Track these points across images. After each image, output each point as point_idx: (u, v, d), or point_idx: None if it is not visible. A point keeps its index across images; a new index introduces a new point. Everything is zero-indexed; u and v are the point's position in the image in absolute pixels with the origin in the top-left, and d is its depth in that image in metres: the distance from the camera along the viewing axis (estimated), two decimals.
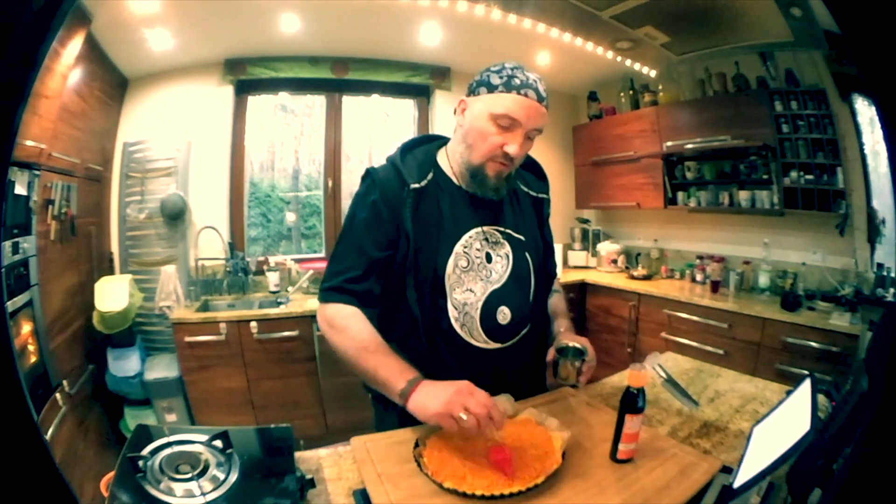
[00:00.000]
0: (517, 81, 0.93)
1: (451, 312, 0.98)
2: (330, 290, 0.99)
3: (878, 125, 2.13)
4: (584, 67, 3.20)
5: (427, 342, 0.97)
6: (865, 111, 2.21)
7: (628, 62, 3.08)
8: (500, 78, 0.94)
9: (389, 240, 0.98)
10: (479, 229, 1.02)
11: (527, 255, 1.07)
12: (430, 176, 1.02)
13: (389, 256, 0.98)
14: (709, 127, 2.76)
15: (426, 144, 1.09)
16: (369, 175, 1.03)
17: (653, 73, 3.18)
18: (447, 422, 0.79)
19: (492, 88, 0.94)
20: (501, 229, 1.05)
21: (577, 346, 0.99)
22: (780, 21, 2.23)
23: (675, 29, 2.63)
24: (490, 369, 0.99)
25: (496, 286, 1.01)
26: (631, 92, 3.31)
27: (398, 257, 0.98)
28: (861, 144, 2.24)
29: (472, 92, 0.99)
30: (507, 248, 1.04)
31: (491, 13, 2.43)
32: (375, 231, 0.98)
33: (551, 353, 1.00)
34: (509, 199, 1.09)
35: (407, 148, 1.06)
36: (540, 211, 1.15)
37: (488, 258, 1.02)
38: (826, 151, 2.34)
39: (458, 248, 0.99)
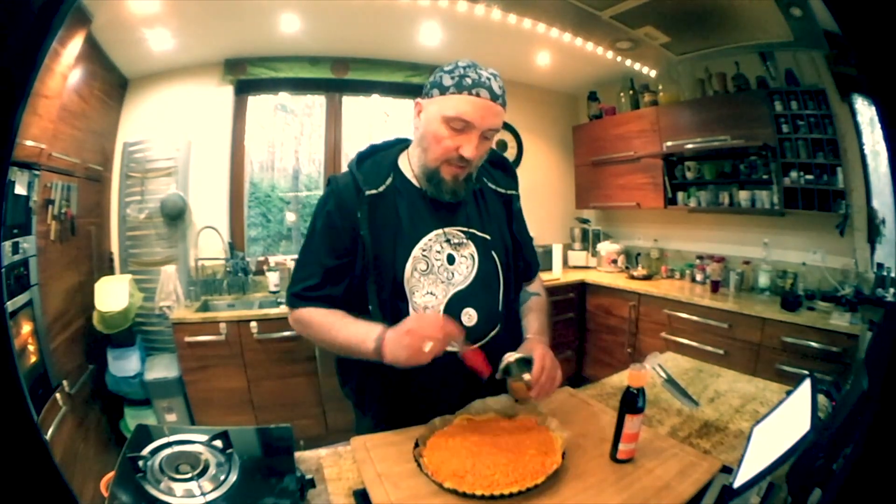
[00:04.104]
0: (468, 81, 0.90)
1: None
2: (293, 296, 1.03)
3: (878, 125, 2.13)
4: (584, 67, 3.20)
5: None
6: (865, 111, 2.21)
7: (628, 62, 3.08)
8: (452, 78, 0.91)
9: (345, 247, 0.98)
10: (439, 231, 1.01)
11: (493, 254, 1.05)
12: (388, 180, 1.00)
13: (346, 263, 0.99)
14: (709, 127, 2.76)
15: (388, 149, 1.08)
16: (330, 183, 1.03)
17: (653, 73, 3.18)
18: (422, 359, 0.83)
19: (443, 90, 0.92)
20: (465, 229, 1.03)
21: (523, 356, 0.92)
22: (780, 21, 2.23)
23: (675, 29, 2.63)
24: (458, 372, 0.96)
25: (459, 288, 1.00)
26: (631, 92, 3.31)
27: (359, 263, 0.98)
28: (861, 144, 2.24)
29: (426, 94, 0.97)
30: (472, 249, 1.03)
31: (491, 13, 2.43)
32: (331, 240, 0.99)
33: (498, 374, 0.93)
34: (475, 198, 1.07)
35: (367, 154, 1.06)
36: (509, 208, 1.12)
37: (450, 260, 1.00)
38: (826, 151, 2.34)
39: (416, 251, 0.98)
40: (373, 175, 1.00)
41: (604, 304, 3.12)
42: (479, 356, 0.89)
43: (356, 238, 0.97)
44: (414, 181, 1.03)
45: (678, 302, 2.66)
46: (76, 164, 2.19)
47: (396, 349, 0.85)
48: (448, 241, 1.01)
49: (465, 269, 1.01)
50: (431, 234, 1.00)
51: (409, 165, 1.04)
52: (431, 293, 0.98)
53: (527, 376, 0.90)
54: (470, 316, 0.99)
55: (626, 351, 2.95)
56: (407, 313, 0.97)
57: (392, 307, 0.98)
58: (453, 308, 0.99)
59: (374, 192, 0.98)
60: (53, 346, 1.92)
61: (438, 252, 1.00)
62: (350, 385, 1.08)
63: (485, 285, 1.03)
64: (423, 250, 0.99)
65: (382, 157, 1.05)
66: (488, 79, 0.92)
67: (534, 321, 1.10)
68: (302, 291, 1.01)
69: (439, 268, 0.99)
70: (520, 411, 0.95)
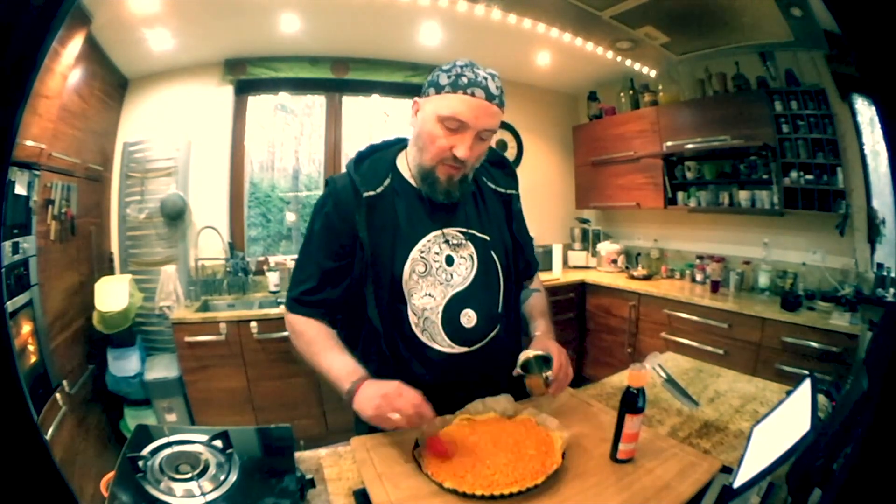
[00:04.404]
0: (464, 80, 0.90)
1: (411, 318, 0.97)
2: (292, 300, 1.03)
3: (878, 125, 2.13)
4: (584, 67, 3.20)
5: (389, 348, 0.97)
6: (865, 111, 2.21)
7: (628, 62, 3.08)
8: (448, 77, 0.91)
9: (343, 249, 0.98)
10: (438, 232, 1.00)
11: (493, 254, 1.04)
12: (387, 181, 1.00)
13: (344, 265, 0.99)
14: (709, 127, 2.76)
15: (386, 149, 1.07)
16: (328, 184, 1.03)
17: (653, 73, 3.18)
18: (383, 423, 0.83)
19: (439, 89, 0.91)
20: (464, 230, 1.02)
21: (542, 353, 0.96)
22: (780, 21, 2.23)
23: (675, 29, 2.63)
24: (458, 373, 0.97)
25: (458, 289, 0.99)
26: (631, 92, 3.31)
27: (356, 265, 0.97)
28: (861, 144, 2.24)
29: (423, 93, 0.96)
30: (471, 249, 1.02)
31: (491, 13, 2.42)
32: (329, 242, 0.99)
33: (516, 370, 0.97)
34: (474, 198, 1.07)
35: (366, 154, 1.05)
36: (508, 208, 1.12)
37: (449, 261, 1.00)
38: (826, 151, 2.34)
39: (414, 252, 0.98)
40: (371, 176, 0.99)
41: (604, 304, 3.12)
42: (442, 446, 0.83)
43: (354, 240, 0.96)
44: (412, 181, 1.02)
45: (678, 302, 2.66)
46: (76, 164, 2.19)
47: (366, 404, 0.85)
48: (447, 241, 1.01)
49: (464, 271, 1.01)
50: (430, 236, 1.00)
51: (407, 165, 1.03)
52: (430, 295, 0.98)
53: (549, 373, 0.93)
54: (469, 317, 0.99)
55: (626, 351, 2.95)
56: (406, 316, 0.97)
57: (391, 310, 0.97)
58: (452, 309, 0.98)
59: (372, 193, 0.97)
60: (53, 346, 1.92)
61: (437, 253, 0.99)
62: None
63: (484, 286, 1.02)
64: (422, 252, 0.98)
65: (381, 157, 1.05)
66: (485, 78, 0.91)
67: (540, 319, 1.11)
68: (300, 296, 1.01)
69: (438, 269, 0.99)
70: (520, 411, 0.95)
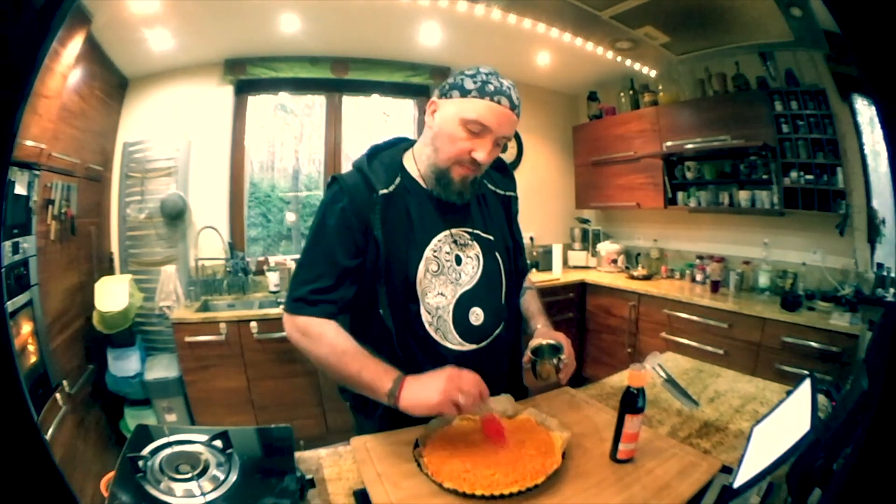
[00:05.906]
0: (491, 88, 0.92)
1: (425, 317, 0.98)
2: (299, 300, 0.96)
3: (878, 125, 2.13)
4: (584, 67, 3.20)
5: (401, 348, 0.97)
6: (865, 111, 2.21)
7: (628, 62, 3.08)
8: (475, 83, 0.92)
9: (358, 247, 0.97)
10: (447, 232, 1.02)
11: (496, 254, 1.07)
12: (397, 180, 1.00)
13: (360, 263, 0.97)
14: (709, 127, 2.76)
15: (392, 148, 1.07)
16: (336, 181, 1.01)
17: (653, 73, 3.18)
18: (448, 408, 0.81)
19: (465, 93, 0.93)
20: (470, 230, 1.04)
21: (552, 342, 0.99)
22: (780, 21, 2.23)
23: (675, 29, 2.63)
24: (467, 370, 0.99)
25: (466, 288, 1.01)
26: (631, 92, 3.31)
27: (368, 264, 0.97)
28: (861, 144, 2.24)
29: (444, 94, 0.96)
30: (477, 249, 1.04)
31: (491, 13, 2.43)
32: (345, 239, 0.96)
33: (527, 356, 1.00)
34: (477, 200, 1.09)
35: (373, 153, 1.05)
36: (508, 209, 1.15)
37: (458, 260, 1.02)
38: (826, 151, 2.34)
39: (427, 252, 0.99)
40: (382, 174, 1.00)
41: (604, 304, 3.12)
42: (500, 425, 0.87)
43: (367, 238, 0.96)
44: (420, 182, 1.03)
45: (678, 302, 2.66)
46: (76, 164, 2.19)
47: (426, 393, 0.82)
48: (455, 241, 1.02)
49: (471, 270, 1.03)
50: (441, 235, 1.01)
51: (415, 165, 1.04)
52: (441, 294, 0.99)
53: (563, 357, 0.96)
54: (477, 315, 1.01)
55: (626, 351, 2.95)
56: (419, 315, 0.98)
57: (403, 309, 0.98)
58: (462, 308, 1.00)
59: (386, 191, 0.97)
60: (53, 346, 1.92)
61: (448, 253, 1.01)
62: (349, 392, 1.07)
63: (489, 285, 1.04)
64: (434, 251, 1.00)
65: (387, 156, 1.05)
66: (508, 88, 0.93)
67: (539, 316, 1.13)
68: (309, 294, 0.95)
69: (449, 268, 1.01)
70: (520, 411, 0.95)
